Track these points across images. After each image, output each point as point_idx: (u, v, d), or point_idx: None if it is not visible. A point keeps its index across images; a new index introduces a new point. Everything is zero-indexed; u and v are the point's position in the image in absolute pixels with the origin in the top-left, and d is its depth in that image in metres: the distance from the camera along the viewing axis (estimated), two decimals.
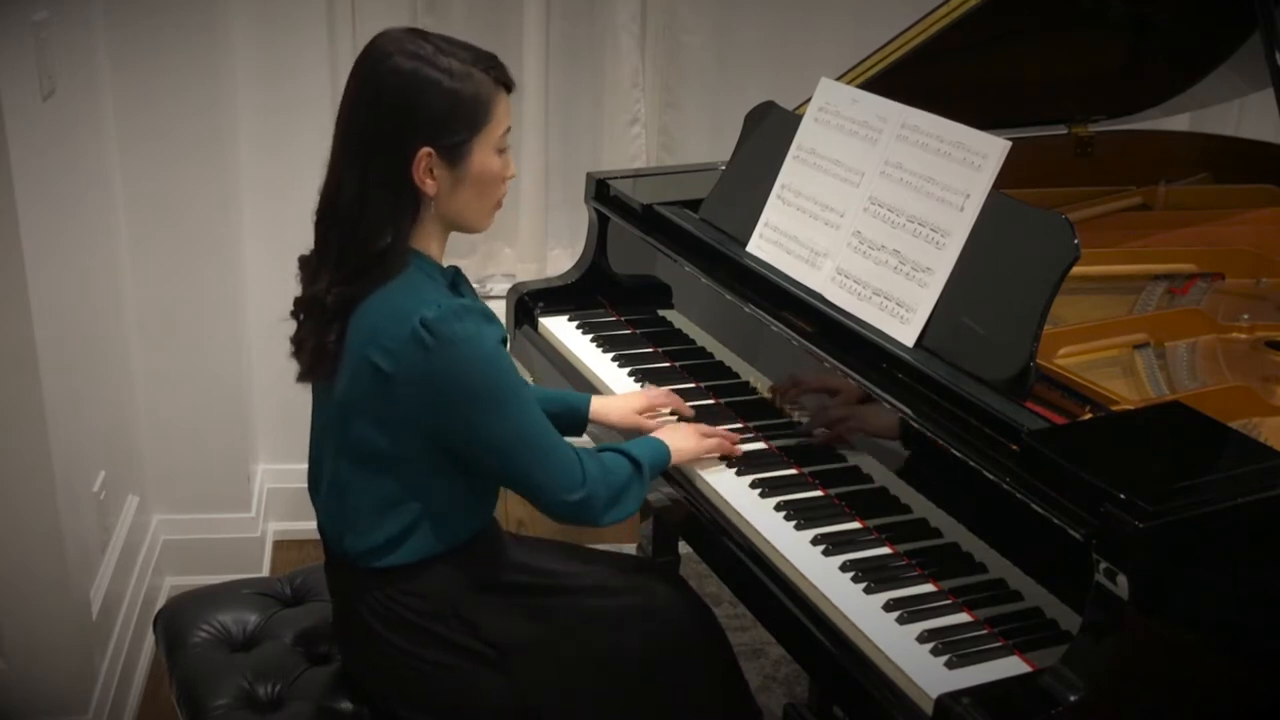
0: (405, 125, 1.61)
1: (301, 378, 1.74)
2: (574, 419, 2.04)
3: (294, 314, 1.74)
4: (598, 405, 2.05)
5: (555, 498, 1.70)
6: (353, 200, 1.63)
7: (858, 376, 1.82)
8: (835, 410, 1.89)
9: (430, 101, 1.61)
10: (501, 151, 1.69)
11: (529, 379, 2.41)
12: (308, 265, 1.74)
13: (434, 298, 1.62)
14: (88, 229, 2.62)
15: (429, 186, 1.64)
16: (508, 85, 1.69)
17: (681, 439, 1.92)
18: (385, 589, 1.73)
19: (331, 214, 1.67)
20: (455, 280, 1.74)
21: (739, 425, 2.08)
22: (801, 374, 1.97)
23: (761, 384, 2.08)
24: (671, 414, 2.08)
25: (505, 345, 1.67)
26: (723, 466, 1.95)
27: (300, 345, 1.72)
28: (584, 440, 2.07)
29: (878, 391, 1.78)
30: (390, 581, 1.73)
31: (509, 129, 1.69)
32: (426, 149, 1.62)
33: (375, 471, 1.69)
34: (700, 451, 1.93)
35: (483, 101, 1.64)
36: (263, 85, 3.00)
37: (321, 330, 1.67)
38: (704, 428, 1.98)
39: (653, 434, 1.93)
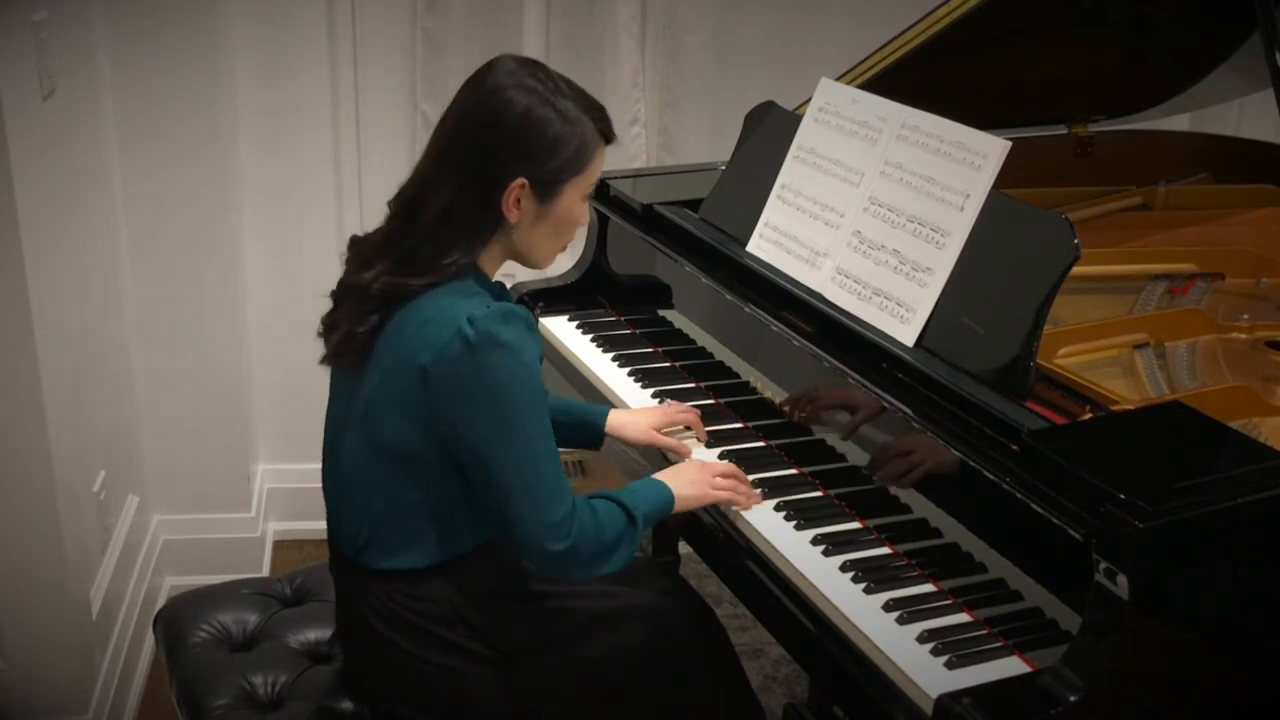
0: (509, 153, 1.64)
1: (325, 360, 1.74)
2: (589, 432, 2.03)
3: (333, 295, 1.74)
4: (614, 420, 2.03)
5: (536, 542, 1.64)
6: (439, 212, 1.65)
7: (857, 376, 1.82)
8: (828, 402, 1.89)
9: (539, 137, 1.64)
10: (585, 199, 1.74)
11: None
12: (359, 247, 1.74)
13: (483, 299, 1.64)
14: (88, 229, 2.62)
15: (513, 215, 1.67)
16: (609, 138, 1.73)
17: (688, 483, 1.83)
18: (390, 591, 1.72)
19: (411, 215, 1.68)
20: (502, 295, 1.75)
21: (739, 425, 2.08)
22: (815, 390, 1.96)
23: (761, 384, 2.08)
24: (686, 429, 2.05)
25: (540, 363, 1.67)
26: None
27: (331, 328, 1.72)
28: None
29: (878, 391, 1.78)
30: (395, 584, 1.72)
31: (598, 181, 1.72)
32: (522, 180, 1.65)
33: (393, 470, 1.68)
34: (707, 500, 1.84)
35: (586, 148, 1.68)
36: (263, 85, 3.00)
37: (357, 318, 1.67)
38: (719, 466, 1.90)
39: (660, 475, 1.85)
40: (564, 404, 2.06)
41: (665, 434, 2.02)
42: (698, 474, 1.85)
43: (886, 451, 1.80)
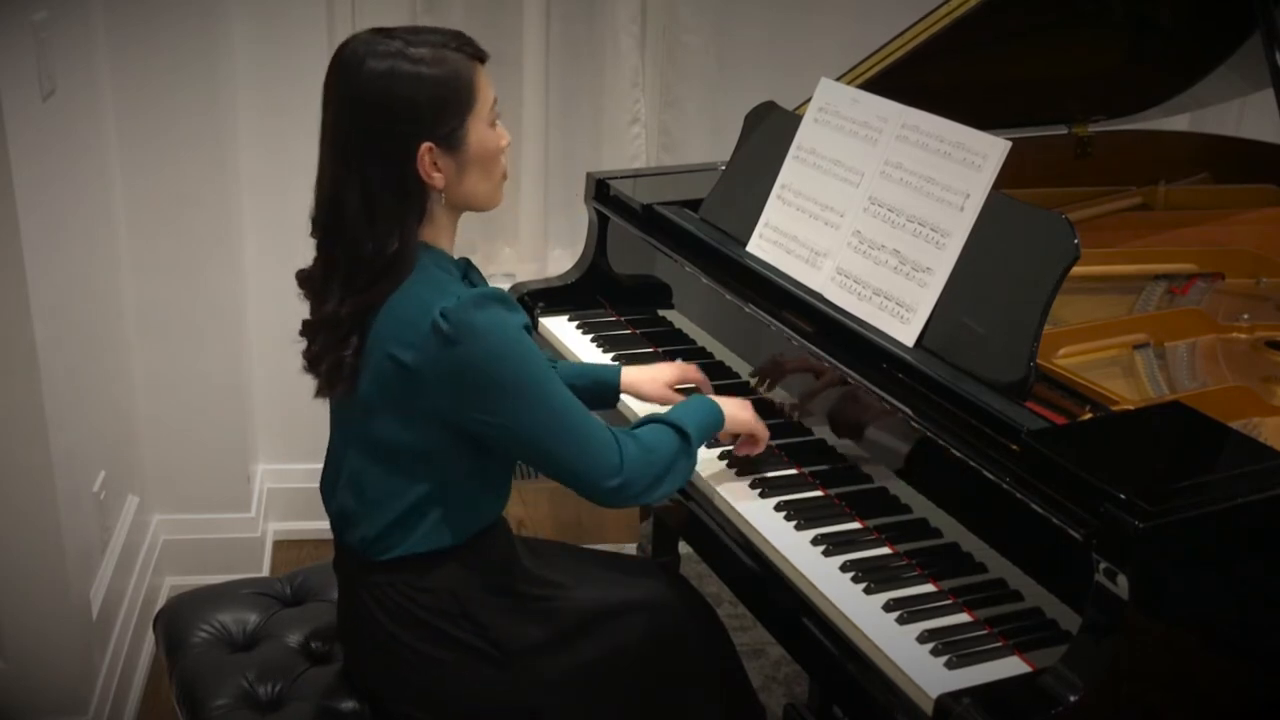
0: (399, 127, 1.62)
1: (320, 393, 1.73)
2: (605, 393, 2.04)
3: (302, 333, 1.73)
4: (628, 377, 2.05)
5: (592, 485, 1.69)
6: (357, 212, 1.63)
7: (858, 376, 1.82)
8: (828, 402, 1.90)
9: (416, 97, 1.62)
10: (493, 124, 1.71)
11: None
12: (311, 282, 1.73)
13: (452, 290, 1.63)
14: (88, 229, 2.62)
15: (436, 180, 1.65)
16: (480, 57, 1.70)
17: (736, 406, 1.89)
18: (394, 582, 1.73)
19: (334, 229, 1.66)
20: (467, 271, 1.75)
21: None
22: (783, 358, 1.97)
23: (761, 384, 2.08)
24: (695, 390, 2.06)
25: (529, 332, 1.67)
26: (723, 466, 1.95)
27: (315, 361, 1.71)
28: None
29: (878, 391, 1.78)
30: (400, 574, 1.73)
31: (495, 99, 1.71)
32: (427, 144, 1.63)
33: (394, 465, 1.69)
34: (753, 426, 1.90)
35: (465, 81, 1.65)
36: (263, 85, 3.00)
37: (338, 344, 1.66)
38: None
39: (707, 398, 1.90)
40: (576, 368, 2.08)
41: (680, 391, 2.03)
42: (744, 403, 1.90)
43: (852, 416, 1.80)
